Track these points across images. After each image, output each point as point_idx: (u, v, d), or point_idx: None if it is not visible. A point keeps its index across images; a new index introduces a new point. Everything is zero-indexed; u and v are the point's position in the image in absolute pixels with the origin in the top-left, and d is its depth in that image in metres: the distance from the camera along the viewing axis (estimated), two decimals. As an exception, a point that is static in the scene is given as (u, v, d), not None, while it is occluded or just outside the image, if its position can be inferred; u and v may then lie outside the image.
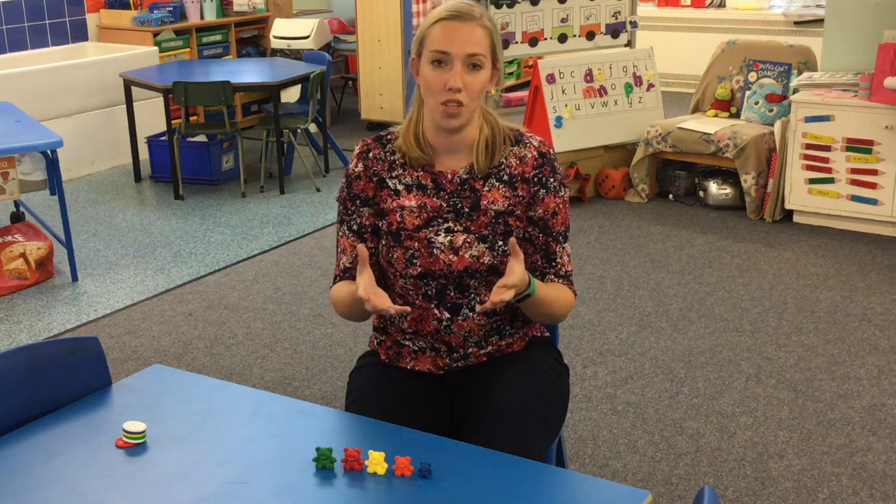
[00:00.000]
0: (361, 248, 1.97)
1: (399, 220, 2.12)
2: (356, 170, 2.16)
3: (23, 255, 4.72)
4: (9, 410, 1.89)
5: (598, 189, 5.99)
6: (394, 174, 2.15)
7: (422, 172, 2.14)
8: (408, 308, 1.99)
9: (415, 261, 2.10)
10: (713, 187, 5.72)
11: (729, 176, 5.71)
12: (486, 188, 2.13)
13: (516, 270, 1.94)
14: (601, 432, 3.33)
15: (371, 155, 2.17)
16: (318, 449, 1.73)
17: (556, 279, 2.17)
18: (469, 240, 2.10)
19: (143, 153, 6.61)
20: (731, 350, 3.92)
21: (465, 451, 1.81)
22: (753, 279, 4.65)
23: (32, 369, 1.95)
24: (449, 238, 2.10)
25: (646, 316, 4.26)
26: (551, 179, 2.15)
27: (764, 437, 3.28)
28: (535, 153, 2.15)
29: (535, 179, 2.14)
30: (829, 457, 3.16)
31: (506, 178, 2.13)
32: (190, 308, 4.45)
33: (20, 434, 1.86)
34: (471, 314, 2.14)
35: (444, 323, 2.14)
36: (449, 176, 2.13)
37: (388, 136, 2.19)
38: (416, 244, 2.10)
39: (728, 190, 5.68)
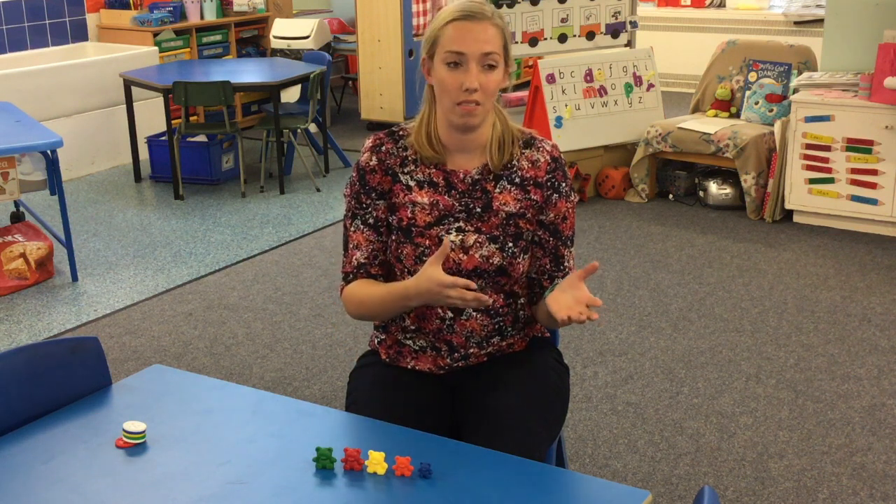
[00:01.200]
0: (446, 241, 1.97)
1: (410, 216, 2.12)
2: (370, 163, 2.15)
3: (23, 255, 4.72)
4: (9, 410, 1.89)
5: (598, 189, 5.99)
6: (406, 170, 2.15)
7: (434, 170, 2.14)
8: (488, 300, 1.98)
9: (425, 258, 2.10)
10: (713, 187, 5.72)
11: (729, 176, 5.72)
12: (497, 190, 2.13)
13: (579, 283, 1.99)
14: (601, 432, 3.33)
15: (384, 149, 2.16)
16: (318, 449, 1.73)
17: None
18: (480, 240, 2.10)
19: (143, 153, 6.61)
20: (731, 350, 3.92)
21: (465, 451, 1.81)
22: (753, 279, 4.65)
23: (32, 369, 1.95)
24: (460, 237, 2.10)
25: (646, 316, 4.26)
26: (563, 184, 2.16)
27: (764, 437, 3.28)
28: (547, 157, 2.16)
29: (549, 184, 2.15)
30: (829, 457, 3.16)
31: (517, 180, 2.14)
32: (190, 308, 4.45)
33: (20, 434, 1.86)
34: (474, 314, 2.14)
35: (447, 322, 2.14)
36: (461, 175, 2.13)
37: (401, 132, 2.18)
38: (427, 242, 2.10)
39: (728, 190, 5.68)
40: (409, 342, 2.20)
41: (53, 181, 4.79)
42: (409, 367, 2.21)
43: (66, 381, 1.99)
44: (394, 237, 2.14)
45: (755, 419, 3.40)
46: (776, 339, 4.02)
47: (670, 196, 5.91)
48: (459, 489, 1.67)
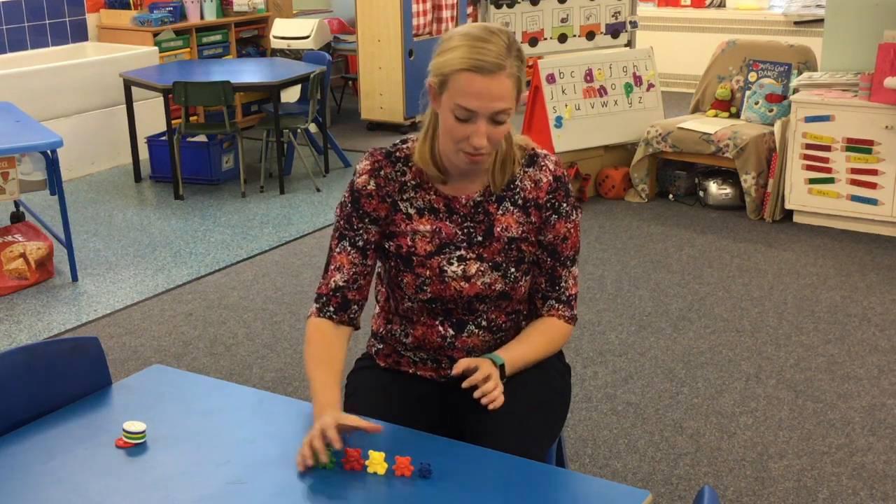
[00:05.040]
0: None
1: (410, 243, 2.06)
2: (368, 187, 2.06)
3: (23, 255, 4.72)
4: (9, 410, 1.89)
5: (598, 189, 5.99)
6: (405, 196, 2.07)
7: (434, 196, 2.07)
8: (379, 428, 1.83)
9: (425, 287, 2.06)
10: (713, 187, 5.72)
11: (729, 176, 5.72)
12: (499, 212, 2.07)
13: (480, 368, 1.96)
14: (601, 432, 3.33)
15: (382, 173, 2.06)
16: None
17: (556, 304, 2.14)
18: (482, 268, 2.06)
19: (143, 153, 6.61)
20: (731, 350, 3.92)
21: (465, 451, 1.81)
22: (753, 279, 4.65)
23: (32, 369, 1.95)
24: (462, 267, 2.05)
25: (646, 316, 4.26)
26: (564, 204, 2.10)
27: (764, 437, 3.28)
28: (550, 178, 2.09)
29: (548, 205, 2.09)
30: (829, 457, 3.16)
31: (520, 202, 2.08)
32: (190, 308, 4.45)
33: (20, 434, 1.86)
34: (476, 331, 2.12)
35: (448, 340, 2.12)
36: (462, 200, 2.07)
37: (398, 153, 2.09)
38: (428, 273, 2.05)
39: (728, 190, 5.68)
40: (409, 354, 2.18)
41: (53, 181, 4.79)
42: (409, 372, 2.20)
43: (66, 381, 1.99)
44: (392, 263, 2.09)
45: (755, 419, 3.40)
46: (776, 339, 4.02)
47: (670, 196, 5.91)
48: (459, 489, 1.67)
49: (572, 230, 2.12)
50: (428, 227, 2.06)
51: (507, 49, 1.92)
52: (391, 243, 2.08)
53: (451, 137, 1.96)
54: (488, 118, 1.93)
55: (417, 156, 2.06)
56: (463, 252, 2.06)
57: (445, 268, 2.05)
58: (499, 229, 2.07)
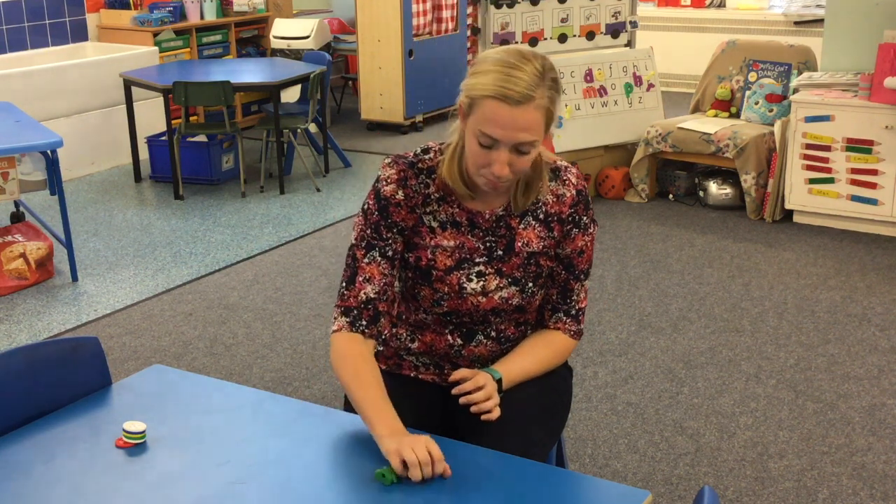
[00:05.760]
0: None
1: (430, 257, 2.04)
2: (397, 196, 2.02)
3: (23, 255, 4.72)
4: (9, 410, 1.89)
5: (598, 189, 5.99)
6: (428, 209, 2.04)
7: (457, 209, 2.04)
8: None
9: (443, 302, 2.05)
10: (713, 187, 5.72)
11: (729, 176, 5.72)
12: (521, 226, 2.06)
13: (475, 378, 1.96)
14: (601, 432, 3.33)
15: (409, 183, 2.03)
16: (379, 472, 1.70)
17: (565, 317, 2.13)
18: (501, 284, 2.05)
19: (143, 153, 6.61)
20: (731, 350, 3.92)
21: (465, 451, 1.81)
22: (753, 279, 4.65)
23: (32, 369, 1.95)
24: (482, 283, 2.04)
25: (646, 316, 4.26)
26: (584, 218, 2.09)
27: (764, 437, 3.28)
28: (573, 192, 2.07)
29: (570, 219, 2.07)
30: (829, 457, 3.16)
31: (542, 216, 2.06)
32: (190, 308, 4.45)
33: (20, 434, 1.86)
34: (484, 341, 2.11)
35: (456, 348, 2.11)
36: (486, 215, 2.05)
37: (420, 165, 2.05)
38: (446, 289, 2.04)
39: (728, 190, 5.68)
40: (412, 358, 2.18)
41: (53, 181, 4.79)
42: (410, 375, 2.19)
43: (66, 381, 1.99)
44: (410, 274, 2.07)
45: (755, 419, 3.40)
46: (776, 339, 4.02)
47: (670, 196, 5.91)
48: (460, 489, 1.67)
49: (589, 243, 2.11)
50: (452, 243, 2.04)
51: (538, 78, 1.89)
52: (411, 255, 2.06)
53: (474, 161, 1.94)
54: (511, 147, 1.90)
55: (446, 173, 2.02)
56: (482, 267, 2.05)
57: (465, 284, 2.04)
58: (519, 244, 2.06)
